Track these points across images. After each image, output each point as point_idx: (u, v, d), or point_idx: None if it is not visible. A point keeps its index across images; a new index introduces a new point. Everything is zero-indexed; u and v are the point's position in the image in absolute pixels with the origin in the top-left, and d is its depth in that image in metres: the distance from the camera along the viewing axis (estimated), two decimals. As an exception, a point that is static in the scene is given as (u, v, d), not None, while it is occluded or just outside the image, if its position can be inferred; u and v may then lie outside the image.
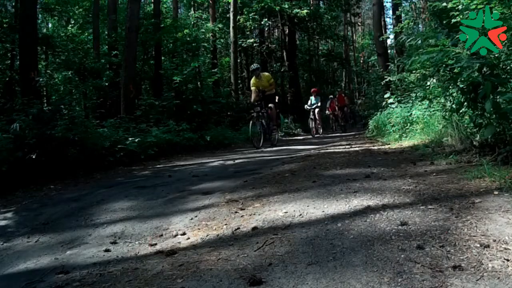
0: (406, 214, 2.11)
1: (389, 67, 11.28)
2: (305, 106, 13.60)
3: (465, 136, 4.00)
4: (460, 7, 3.65)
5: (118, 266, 1.92)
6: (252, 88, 8.01)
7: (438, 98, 5.32)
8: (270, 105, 7.90)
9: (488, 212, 2.02)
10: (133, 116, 7.85)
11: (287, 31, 19.73)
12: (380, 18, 14.19)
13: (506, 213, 1.98)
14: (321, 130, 13.32)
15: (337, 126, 15.44)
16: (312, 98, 13.28)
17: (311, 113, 12.99)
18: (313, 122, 12.97)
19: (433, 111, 5.58)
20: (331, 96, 16.75)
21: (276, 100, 8.39)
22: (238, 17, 14.90)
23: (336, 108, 15.47)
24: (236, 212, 2.59)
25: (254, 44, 18.71)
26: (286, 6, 16.76)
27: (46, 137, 4.89)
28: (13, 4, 11.32)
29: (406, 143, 5.69)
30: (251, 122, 7.47)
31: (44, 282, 1.82)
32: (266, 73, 8.43)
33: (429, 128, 5.40)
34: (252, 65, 8.22)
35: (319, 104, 13.02)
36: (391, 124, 7.21)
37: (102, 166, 5.49)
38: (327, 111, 15.68)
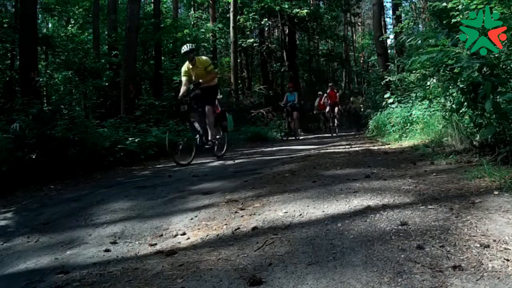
0: (406, 214, 2.11)
1: (389, 67, 11.28)
2: (280, 103, 11.94)
3: (465, 136, 4.00)
4: (460, 7, 3.65)
5: (118, 266, 1.92)
6: (183, 79, 5.82)
7: (438, 98, 5.32)
8: (207, 107, 5.61)
9: (488, 212, 2.02)
10: (133, 116, 7.85)
11: (287, 31, 19.74)
12: (380, 18, 14.19)
13: (506, 213, 1.98)
14: (300, 133, 11.86)
15: (328, 127, 13.52)
16: (289, 94, 11.62)
17: (285, 112, 11.32)
18: (286, 123, 11.32)
19: (433, 111, 5.58)
20: (320, 92, 14.63)
21: (220, 95, 6.51)
22: (238, 17, 14.91)
23: (326, 106, 13.52)
24: (236, 212, 2.59)
25: (254, 44, 18.73)
26: (286, 6, 16.77)
27: (46, 137, 4.90)
28: (13, 4, 11.32)
29: (406, 143, 5.70)
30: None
31: (44, 282, 1.82)
32: (204, 57, 6.01)
33: (429, 128, 5.41)
34: (184, 46, 5.78)
35: (296, 102, 11.30)
36: (391, 124, 7.21)
37: (102, 166, 5.49)
38: (315, 110, 14.18)
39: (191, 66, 5.76)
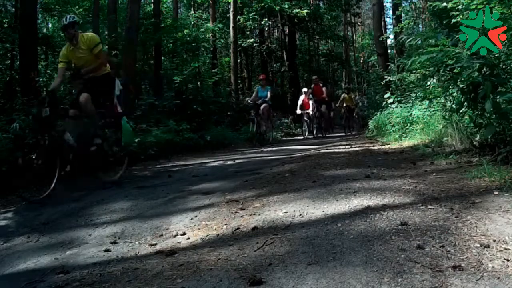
0: (406, 214, 2.11)
1: (389, 67, 11.28)
2: (247, 100, 9.60)
3: (465, 136, 4.01)
4: (460, 7, 3.66)
5: (118, 266, 1.92)
6: (59, 66, 4.01)
7: (438, 98, 5.33)
8: (82, 98, 3.81)
9: (488, 212, 2.02)
10: (133, 116, 7.84)
11: (287, 31, 19.74)
12: (380, 18, 14.18)
13: (506, 213, 1.98)
14: (271, 136, 9.50)
15: (312, 129, 10.96)
16: (259, 89, 9.22)
17: (253, 111, 8.92)
18: (255, 124, 8.73)
19: (433, 111, 5.59)
20: (305, 89, 11.69)
21: (119, 91, 4.35)
22: (238, 17, 14.89)
23: (311, 104, 10.93)
24: (236, 212, 2.59)
25: (254, 44, 18.72)
26: (286, 6, 16.76)
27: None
28: (13, 4, 11.31)
29: (406, 143, 5.70)
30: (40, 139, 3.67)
31: (44, 282, 1.82)
32: (90, 34, 4.10)
33: (429, 128, 5.41)
34: (63, 18, 4.00)
35: (267, 98, 8.91)
36: (391, 124, 7.22)
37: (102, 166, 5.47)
38: (298, 110, 11.24)
39: (71, 48, 3.99)
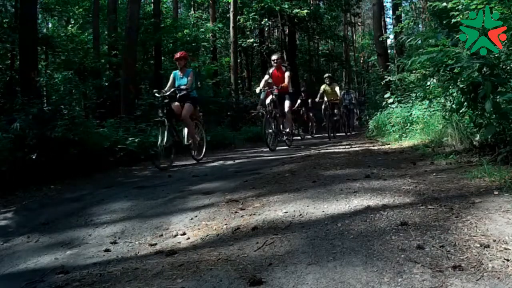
0: (406, 214, 2.11)
1: (389, 67, 11.28)
2: (155, 92, 5.71)
3: (465, 136, 4.01)
4: (460, 7, 3.65)
5: (118, 266, 1.92)
6: None
7: (438, 98, 5.33)
8: None
9: (488, 212, 2.02)
10: (133, 116, 7.84)
11: (287, 31, 19.76)
12: (380, 18, 14.17)
13: (506, 213, 1.98)
14: (197, 151, 5.88)
15: (268, 135, 6.57)
16: (176, 74, 5.81)
17: (160, 111, 5.28)
18: (166, 130, 5.17)
19: (433, 111, 5.59)
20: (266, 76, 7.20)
21: None
22: (238, 17, 14.90)
23: (273, 97, 6.70)
24: (236, 212, 2.59)
25: (254, 44, 18.75)
26: (286, 6, 16.77)
27: (46, 137, 4.89)
28: (13, 4, 11.31)
29: (406, 143, 5.70)
30: None
31: (44, 282, 1.82)
32: None
33: (429, 128, 5.41)
34: None
35: (187, 86, 5.51)
36: (391, 124, 7.22)
37: (102, 166, 5.49)
38: (259, 106, 7.78)
39: None
